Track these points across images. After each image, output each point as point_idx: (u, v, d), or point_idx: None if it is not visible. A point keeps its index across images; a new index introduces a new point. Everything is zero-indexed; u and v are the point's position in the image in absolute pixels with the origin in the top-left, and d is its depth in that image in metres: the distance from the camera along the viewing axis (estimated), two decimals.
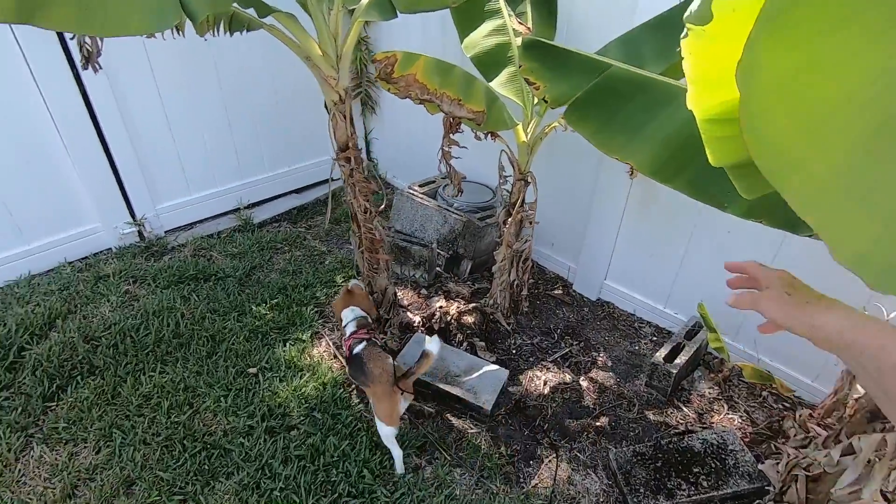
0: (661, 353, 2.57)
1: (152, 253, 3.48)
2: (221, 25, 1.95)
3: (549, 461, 2.24)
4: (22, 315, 2.76)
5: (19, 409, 2.31)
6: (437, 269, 3.37)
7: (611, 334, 3.01)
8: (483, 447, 2.27)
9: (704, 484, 2.00)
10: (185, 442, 2.22)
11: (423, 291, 3.25)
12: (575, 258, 3.31)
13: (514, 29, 2.42)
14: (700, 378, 2.66)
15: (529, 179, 2.57)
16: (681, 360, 2.53)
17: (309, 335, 2.85)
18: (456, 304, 3.00)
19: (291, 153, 4.12)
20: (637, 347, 2.91)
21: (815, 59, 0.51)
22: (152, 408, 2.37)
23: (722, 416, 2.48)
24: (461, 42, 2.48)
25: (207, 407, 2.39)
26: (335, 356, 2.74)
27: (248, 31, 1.96)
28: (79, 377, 2.50)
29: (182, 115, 3.44)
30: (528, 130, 2.43)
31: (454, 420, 2.41)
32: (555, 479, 2.16)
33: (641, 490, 2.02)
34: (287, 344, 2.77)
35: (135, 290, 3.12)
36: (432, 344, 2.05)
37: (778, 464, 1.86)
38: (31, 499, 1.99)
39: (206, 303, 3.01)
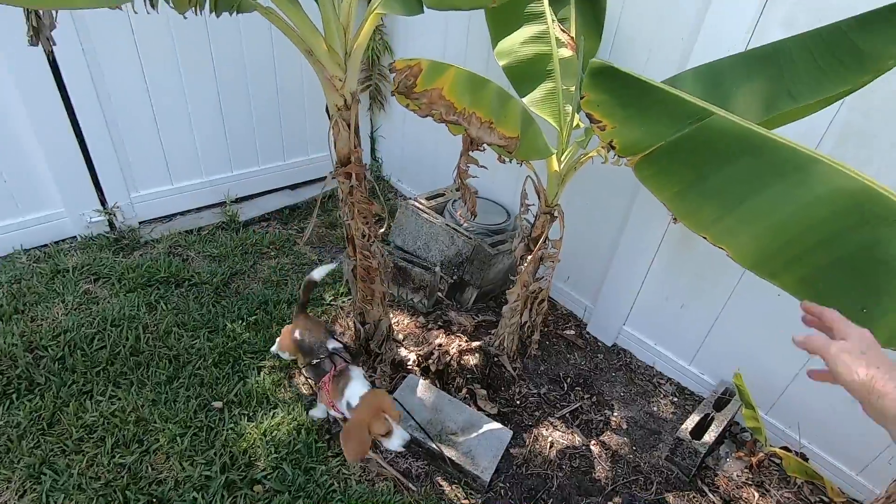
0: (688, 426, 2.25)
1: (122, 246, 3.10)
2: (207, 4, 1.58)
3: None
4: None
5: None
6: (439, 294, 3.03)
7: (627, 389, 2.69)
8: None
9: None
10: (127, 491, 1.88)
11: (421, 319, 2.91)
12: (593, 297, 2.97)
13: (557, 38, 2.05)
14: (727, 455, 2.34)
15: (556, 213, 2.22)
16: (710, 436, 2.21)
17: (288, 363, 2.50)
18: (457, 341, 2.66)
19: (288, 146, 3.74)
20: (656, 409, 2.59)
21: None
22: (95, 443, 2.03)
23: None
24: (493, 47, 2.12)
25: (160, 447, 2.04)
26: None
27: (238, 12, 1.59)
28: (14, 395, 2.15)
29: (168, 98, 3.05)
30: (563, 159, 2.08)
31: (445, 486, 2.08)
32: None
33: None
34: (262, 372, 2.42)
35: (95, 290, 2.75)
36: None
37: None
38: None
39: (175, 314, 2.64)
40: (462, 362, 2.55)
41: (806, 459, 2.26)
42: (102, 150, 2.94)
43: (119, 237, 3.14)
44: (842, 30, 1.13)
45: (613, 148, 1.12)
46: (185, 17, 1.60)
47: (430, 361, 2.50)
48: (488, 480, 2.04)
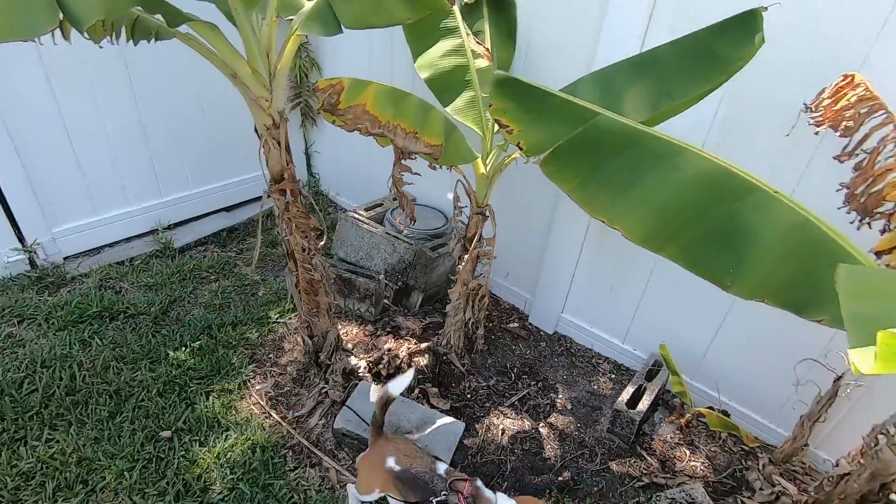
0: (624, 398, 2.45)
1: (46, 285, 2.95)
2: (123, 32, 1.59)
3: None
4: None
5: None
6: (385, 301, 3.10)
7: (569, 372, 2.87)
8: None
9: None
10: None
11: (370, 327, 2.97)
12: (531, 290, 3.15)
13: (472, 50, 2.20)
14: (661, 421, 2.56)
15: (487, 213, 2.36)
16: (643, 405, 2.41)
17: (237, 384, 2.49)
18: (406, 344, 2.74)
19: (221, 167, 3.69)
20: (596, 386, 2.78)
21: None
22: (34, 489, 1.94)
23: (685, 462, 2.38)
24: (414, 61, 2.24)
25: (107, 484, 1.99)
26: (268, 408, 2.40)
27: (156, 40, 1.61)
28: None
29: (85, 125, 2.95)
30: (488, 162, 2.23)
31: None
32: None
33: None
34: (210, 397, 2.39)
35: (20, 332, 2.61)
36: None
37: None
38: None
39: (112, 348, 2.56)
40: (412, 364, 2.63)
41: (728, 415, 2.51)
42: (15, 184, 2.80)
43: (42, 275, 2.99)
44: (701, 38, 1.34)
45: (521, 148, 1.26)
46: (101, 48, 1.60)
47: (381, 366, 2.57)
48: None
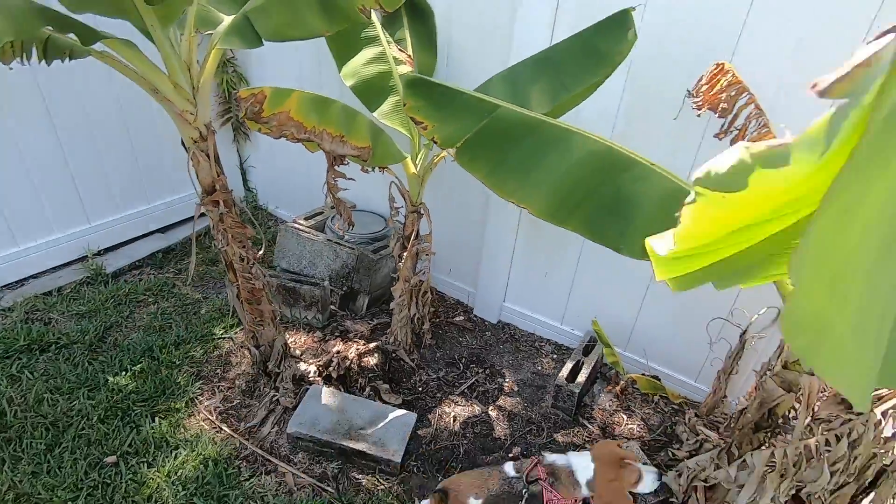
0: (563, 374, 2.62)
1: None
2: (34, 52, 1.59)
3: None
4: None
5: None
6: (332, 307, 3.14)
7: (514, 357, 3.02)
8: None
9: None
10: None
11: (318, 334, 3.00)
12: (473, 283, 3.28)
13: (394, 57, 2.31)
14: (600, 391, 2.76)
15: (422, 211, 2.47)
16: (581, 378, 2.59)
17: (184, 402, 2.46)
18: (355, 346, 2.80)
19: (151, 188, 3.60)
20: (540, 367, 2.95)
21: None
22: None
23: (623, 426, 2.58)
24: (339, 70, 2.32)
25: None
26: (218, 423, 2.38)
27: (71, 59, 1.61)
28: None
29: None
30: (418, 161, 2.34)
31: (362, 478, 2.21)
32: None
33: None
34: (156, 418, 2.35)
35: None
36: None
37: (680, 476, 1.94)
38: None
39: (45, 380, 2.46)
40: (362, 364, 2.70)
41: (658, 379, 2.74)
42: None
43: None
44: (586, 36, 1.51)
45: (436, 142, 1.37)
46: (11, 69, 1.59)
47: (331, 369, 2.61)
48: (400, 462, 2.20)
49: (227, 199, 2.05)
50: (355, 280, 3.10)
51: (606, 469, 1.67)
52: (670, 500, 2.04)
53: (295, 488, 2.15)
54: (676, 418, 2.57)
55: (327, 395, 2.46)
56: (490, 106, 1.29)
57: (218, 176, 1.97)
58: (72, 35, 1.48)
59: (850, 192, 0.46)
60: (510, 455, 2.36)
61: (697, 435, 2.30)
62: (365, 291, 3.13)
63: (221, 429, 2.37)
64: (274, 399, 2.47)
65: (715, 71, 1.80)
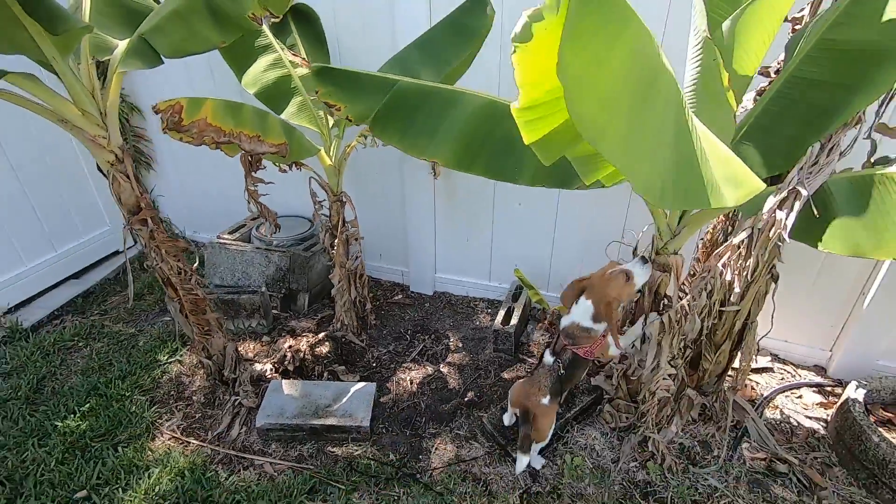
0: (498, 320, 2.94)
1: None
2: None
3: (436, 448, 2.38)
4: None
5: None
6: (274, 311, 3.23)
7: (453, 319, 3.30)
8: (373, 462, 2.30)
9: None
10: None
11: (266, 338, 3.09)
12: (405, 262, 3.52)
13: (290, 61, 2.48)
14: (532, 330, 3.12)
15: (344, 199, 2.67)
16: (514, 320, 2.93)
17: (144, 428, 2.47)
18: (305, 339, 2.93)
19: (55, 234, 3.45)
20: (478, 323, 3.26)
21: (596, 57, 0.75)
22: None
23: None
24: (239, 80, 2.45)
25: None
26: (184, 437, 2.43)
27: None
28: None
29: None
30: (332, 153, 2.53)
31: (338, 450, 2.38)
32: None
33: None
34: (119, 448, 2.35)
35: None
36: None
37: (609, 377, 2.32)
38: None
39: None
40: (315, 353, 2.84)
41: None
42: None
43: None
44: (456, 16, 1.80)
45: (350, 120, 1.59)
46: None
47: (287, 363, 2.73)
48: (368, 426, 2.40)
49: (154, 216, 2.12)
50: (292, 281, 3.22)
51: (598, 297, 1.83)
52: (604, 396, 2.42)
53: (276, 474, 2.27)
54: None
55: (287, 385, 2.59)
56: (391, 81, 1.54)
57: (141, 195, 2.04)
58: None
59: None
60: (465, 399, 2.64)
61: None
62: (304, 290, 3.26)
63: (189, 442, 2.42)
64: (236, 403, 2.55)
65: None
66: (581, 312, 1.92)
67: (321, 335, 2.95)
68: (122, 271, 3.72)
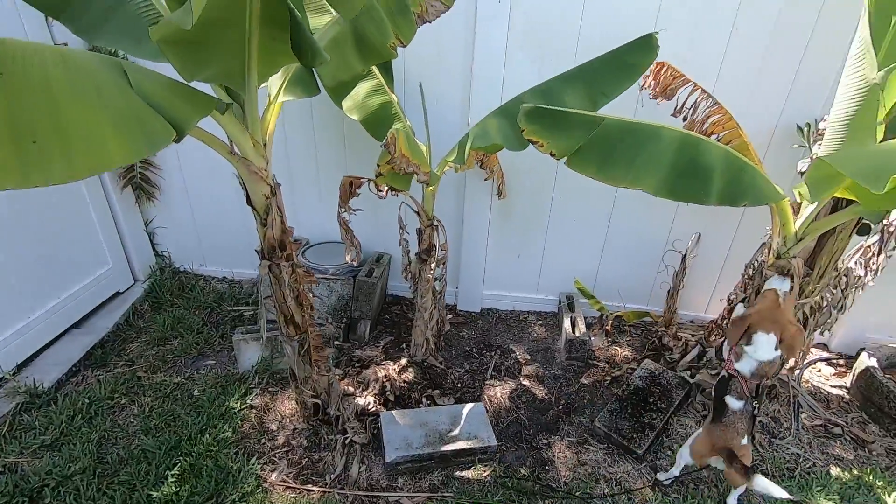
0: (568, 329, 3.13)
1: None
2: None
3: (557, 457, 2.50)
4: None
5: None
6: (337, 342, 3.10)
7: (510, 333, 3.43)
8: (509, 479, 2.35)
9: (662, 406, 2.63)
10: None
11: (338, 371, 2.95)
12: (453, 281, 3.57)
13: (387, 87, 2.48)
14: (589, 337, 3.36)
15: (436, 223, 2.69)
16: (582, 327, 3.14)
17: (254, 482, 2.26)
18: (390, 367, 2.86)
19: (51, 277, 2.95)
20: (536, 335, 3.42)
21: None
22: None
23: (620, 355, 3.22)
24: (338, 105, 2.38)
25: None
26: (301, 486, 2.26)
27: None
28: None
29: None
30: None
31: (467, 473, 2.39)
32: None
33: (633, 436, 2.50)
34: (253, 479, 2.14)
35: None
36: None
37: (689, 371, 2.63)
38: None
39: None
40: (405, 380, 2.80)
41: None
42: None
43: None
44: (617, 54, 2.01)
45: (553, 155, 1.69)
46: None
47: (388, 394, 2.66)
48: (496, 444, 2.44)
49: (291, 251, 2.00)
50: (354, 309, 3.12)
51: (781, 326, 1.93)
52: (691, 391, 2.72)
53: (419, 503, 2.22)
54: (650, 336, 3.32)
55: (399, 416, 2.53)
56: (598, 119, 1.68)
57: (288, 229, 1.93)
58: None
59: None
60: (560, 408, 2.78)
61: (679, 340, 3.05)
62: (366, 317, 3.17)
63: (310, 490, 2.27)
64: (346, 441, 2.44)
65: (656, 69, 2.46)
66: (765, 349, 1.96)
67: (403, 361, 2.90)
68: (132, 314, 3.29)
